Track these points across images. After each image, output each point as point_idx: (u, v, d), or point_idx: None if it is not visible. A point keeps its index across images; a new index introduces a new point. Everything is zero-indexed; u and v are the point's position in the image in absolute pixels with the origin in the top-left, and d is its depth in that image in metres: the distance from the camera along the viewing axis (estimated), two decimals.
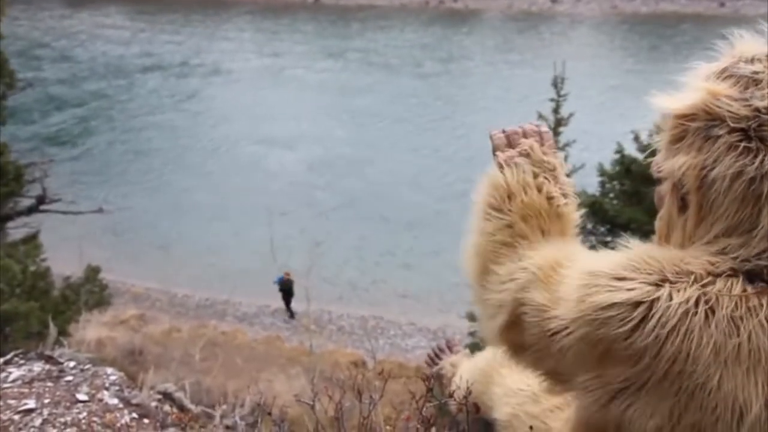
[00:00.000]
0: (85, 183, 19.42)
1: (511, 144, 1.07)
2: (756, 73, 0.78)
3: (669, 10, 40.44)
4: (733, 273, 0.74)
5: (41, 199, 9.44)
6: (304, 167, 20.46)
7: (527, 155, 1.04)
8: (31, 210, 9.34)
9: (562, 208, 1.01)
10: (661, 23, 37.92)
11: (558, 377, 0.89)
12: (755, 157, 0.74)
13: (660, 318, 0.71)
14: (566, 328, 0.78)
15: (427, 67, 30.45)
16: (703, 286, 0.73)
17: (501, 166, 1.04)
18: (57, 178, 16.30)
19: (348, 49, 33.88)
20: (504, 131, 1.10)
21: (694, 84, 0.81)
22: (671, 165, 0.81)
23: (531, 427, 1.16)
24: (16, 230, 9.23)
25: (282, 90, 27.66)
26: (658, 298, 0.72)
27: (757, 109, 0.75)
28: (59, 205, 10.06)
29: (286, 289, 13.69)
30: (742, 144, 0.75)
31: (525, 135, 1.08)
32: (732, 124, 0.76)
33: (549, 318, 0.83)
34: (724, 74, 0.80)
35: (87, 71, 30.50)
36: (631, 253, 0.78)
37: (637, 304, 0.72)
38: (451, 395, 1.47)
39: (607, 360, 0.75)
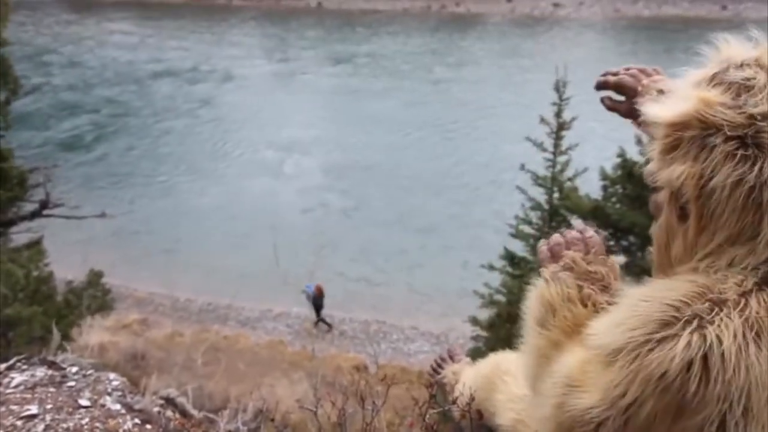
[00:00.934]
0: (97, 188, 19.50)
1: (554, 258, 1.04)
2: (747, 79, 0.77)
3: (671, 13, 40.49)
4: (759, 287, 0.74)
5: (44, 204, 9.47)
6: (318, 172, 20.48)
7: (570, 269, 1.01)
8: (34, 215, 9.37)
9: None
10: (663, 27, 37.96)
11: None
12: (753, 164, 0.73)
13: (721, 364, 0.69)
14: (627, 409, 0.74)
15: (437, 73, 30.52)
16: (741, 311, 0.71)
17: (546, 282, 1.02)
18: (69, 183, 16.41)
19: (356, 54, 34.00)
20: (549, 243, 1.07)
21: (685, 92, 0.81)
22: (668, 174, 0.80)
23: None
24: (20, 235, 9.26)
25: (293, 95, 27.75)
26: (710, 346, 0.70)
27: (752, 116, 0.75)
28: (62, 209, 10.10)
29: (318, 303, 13.61)
30: (740, 152, 0.74)
31: (568, 245, 1.05)
32: (728, 133, 0.75)
33: (597, 416, 0.78)
34: (714, 81, 0.79)
35: (97, 77, 30.69)
36: (648, 304, 0.75)
37: (691, 362, 0.69)
38: (454, 402, 1.46)
39: (678, 417, 0.72)
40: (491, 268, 7.37)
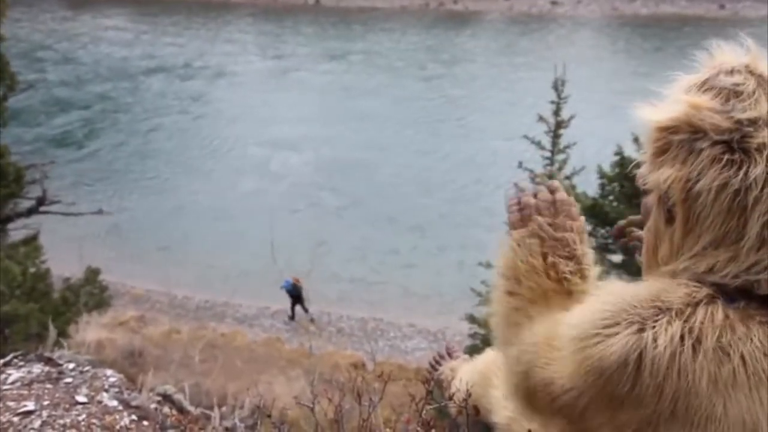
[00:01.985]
0: (90, 185, 19.46)
1: (524, 221, 1.06)
2: (736, 84, 0.79)
3: (669, 12, 40.52)
4: (712, 299, 0.76)
5: (41, 201, 9.45)
6: (309, 169, 20.48)
7: (538, 236, 1.03)
8: (31, 211, 9.34)
9: (573, 286, 1.01)
10: (661, 25, 38.00)
11: (574, 423, 0.91)
12: (739, 169, 0.75)
13: (652, 365, 0.73)
14: (570, 385, 0.81)
15: (430, 70, 30.50)
16: (686, 320, 0.74)
17: (512, 247, 1.04)
18: (62, 179, 16.37)
19: (351, 51, 33.94)
20: (519, 203, 1.07)
21: (676, 96, 0.82)
22: (656, 178, 0.82)
23: (530, 431, 1.16)
24: (16, 232, 9.23)
25: (286, 92, 27.70)
26: (645, 346, 0.73)
27: (739, 121, 0.76)
28: (59, 206, 10.07)
29: (296, 294, 13.65)
30: (726, 156, 0.76)
31: (538, 209, 1.06)
32: (715, 137, 0.76)
33: (556, 389, 0.85)
34: (705, 86, 0.81)
35: (91, 73, 30.56)
36: (608, 301, 0.79)
37: (626, 358, 0.74)
38: (450, 398, 1.47)
39: (616, 407, 0.77)
40: (488, 265, 7.39)
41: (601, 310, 0.79)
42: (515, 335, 0.99)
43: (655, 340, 0.73)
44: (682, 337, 0.73)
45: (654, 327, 0.74)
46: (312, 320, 13.91)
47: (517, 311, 1.00)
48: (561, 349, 0.84)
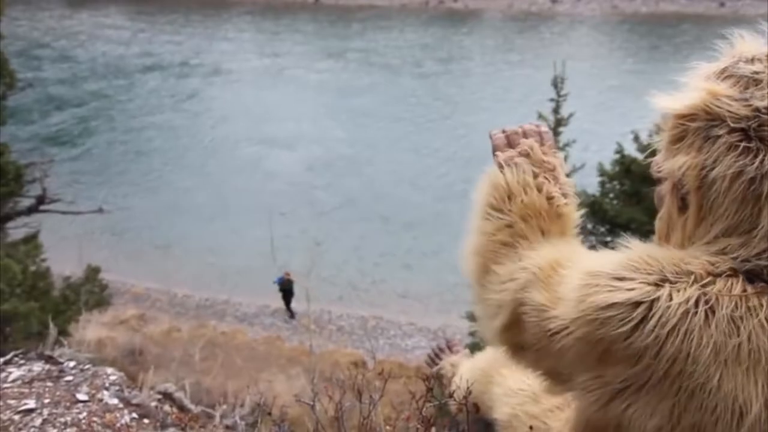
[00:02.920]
0: (85, 183, 19.42)
1: (510, 144, 1.07)
2: (756, 73, 0.78)
3: (669, 10, 40.46)
4: (733, 273, 0.74)
5: (41, 199, 9.44)
6: (304, 167, 20.47)
7: (527, 155, 1.04)
8: (30, 210, 9.34)
9: (562, 207, 1.01)
10: (661, 23, 37.94)
11: (558, 377, 0.89)
12: (755, 157, 0.74)
13: (660, 318, 0.71)
14: (566, 327, 0.78)
15: (427, 67, 30.45)
16: (703, 286, 0.73)
17: (501, 166, 1.04)
18: (57, 178, 16.31)
19: (348, 49, 33.88)
20: (504, 131, 1.10)
21: (694, 84, 0.81)
22: (671, 165, 0.81)
23: (531, 427, 1.16)
24: (16, 230, 9.23)
25: (282, 90, 27.66)
26: (657, 298, 0.72)
27: (757, 109, 0.75)
28: (59, 205, 10.06)
29: (287, 289, 13.69)
30: (742, 144, 0.75)
31: (525, 135, 1.08)
32: (732, 124, 0.76)
33: (549, 318, 0.83)
34: (724, 74, 0.80)
35: (87, 71, 30.51)
36: (631, 252, 0.78)
37: (637, 304, 0.72)
38: (451, 395, 1.47)
39: (606, 360, 0.75)
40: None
41: (622, 258, 0.77)
42: (507, 254, 0.96)
43: (670, 296, 0.72)
44: (697, 301, 0.71)
45: (673, 284, 0.73)
46: (292, 316, 13.92)
47: (509, 228, 0.98)
48: (567, 285, 0.81)
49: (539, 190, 1.00)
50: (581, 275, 0.78)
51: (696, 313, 0.71)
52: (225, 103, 26.27)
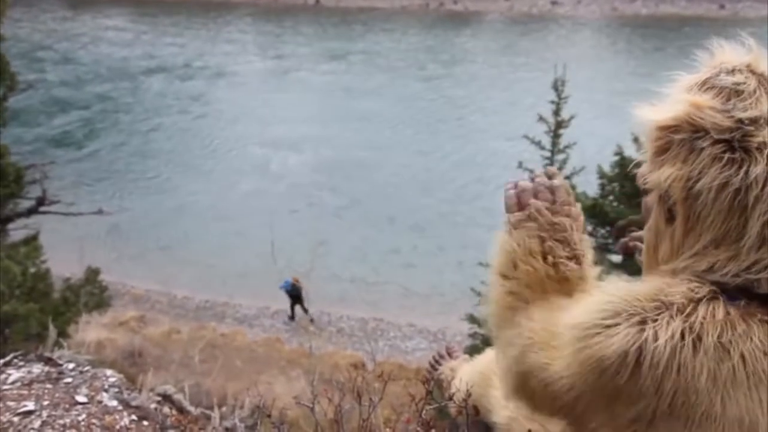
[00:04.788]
0: (89, 185, 19.45)
1: (521, 205, 1.05)
2: (737, 84, 0.79)
3: (669, 12, 40.53)
4: (714, 296, 0.75)
5: (41, 201, 9.44)
6: (309, 169, 20.48)
7: (535, 219, 1.02)
8: (31, 211, 9.34)
9: (569, 272, 1.00)
10: (661, 25, 38.00)
11: (574, 423, 0.90)
12: (740, 168, 0.75)
13: (651, 360, 0.72)
14: (570, 383, 0.81)
15: (430, 70, 30.50)
16: (687, 316, 0.74)
17: (509, 231, 1.03)
18: (61, 180, 16.36)
19: (351, 51, 33.94)
20: (516, 187, 1.07)
21: (677, 95, 0.82)
22: (657, 177, 0.82)
23: (529, 431, 1.16)
24: (17, 232, 9.23)
25: (286, 92, 27.70)
26: (645, 340, 0.73)
27: (740, 120, 0.76)
28: (59, 206, 10.06)
29: (296, 295, 13.64)
30: (726, 155, 0.75)
31: (536, 194, 1.05)
32: (716, 136, 0.76)
33: (552, 375, 0.85)
34: (706, 85, 0.81)
35: (90, 73, 30.57)
36: (611, 296, 0.79)
37: (626, 353, 0.73)
38: (450, 398, 1.47)
39: (614, 402, 0.76)
40: (488, 265, 7.37)
41: (602, 304, 0.78)
42: (510, 319, 0.98)
43: (656, 335, 0.73)
44: (682, 334, 0.72)
45: (655, 322, 0.74)
46: (312, 320, 13.92)
47: (513, 295, 1.00)
48: (561, 343, 0.83)
49: (545, 256, 0.99)
50: (571, 330, 0.80)
51: (684, 345, 0.72)
52: (229, 105, 26.32)
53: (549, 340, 0.87)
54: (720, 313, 0.73)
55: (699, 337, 0.72)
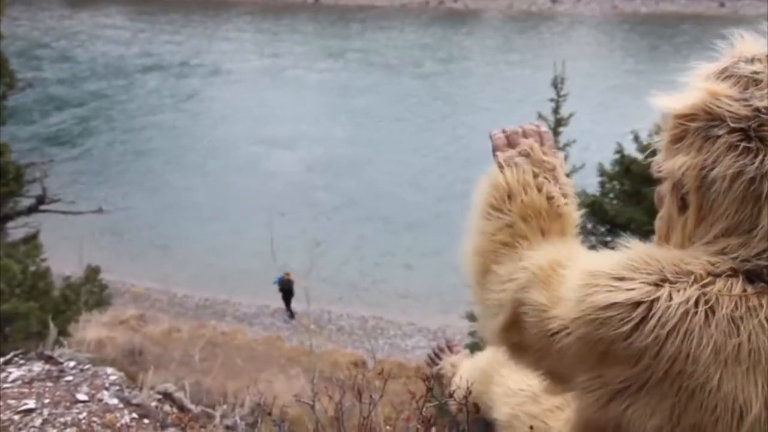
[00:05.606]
0: (85, 183, 19.42)
1: (511, 144, 1.07)
2: (756, 73, 0.78)
3: (669, 10, 40.48)
4: (733, 273, 0.74)
5: (41, 199, 9.44)
6: (304, 167, 20.47)
7: (527, 155, 1.04)
8: (31, 210, 9.34)
9: (562, 207, 1.01)
10: (661, 23, 37.96)
11: (558, 377, 0.89)
12: (755, 157, 0.74)
13: (660, 318, 0.71)
14: (566, 328, 0.78)
15: (427, 68, 30.46)
16: (703, 286, 0.73)
17: (501, 166, 1.04)
18: (57, 178, 16.31)
19: (348, 49, 33.89)
20: (504, 131, 1.09)
21: (694, 84, 0.82)
22: (671, 165, 0.82)
23: (531, 427, 1.16)
24: (16, 230, 9.22)
25: (282, 90, 27.67)
26: (657, 298, 0.72)
27: (757, 109, 0.75)
28: (59, 205, 10.06)
29: (287, 289, 13.68)
30: (742, 144, 0.75)
31: (525, 135, 1.07)
32: (732, 124, 0.76)
33: (549, 318, 0.83)
34: (724, 74, 0.80)
35: (87, 71, 30.52)
36: (631, 253, 0.78)
37: (637, 304, 0.72)
38: (451, 395, 1.47)
39: (606, 360, 0.75)
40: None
41: (622, 258, 0.77)
42: (507, 254, 0.96)
43: (670, 295, 0.72)
44: (697, 302, 0.71)
45: (673, 284, 0.73)
46: (292, 316, 13.91)
47: (509, 228, 0.98)
48: (567, 285, 0.81)
49: (539, 189, 1.00)
50: (581, 275, 0.78)
51: (696, 313, 0.71)
52: (225, 103, 26.28)
53: (554, 280, 0.85)
54: (737, 289, 0.73)
55: (712, 309, 0.71)
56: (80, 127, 24.23)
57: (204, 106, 26.12)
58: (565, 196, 1.02)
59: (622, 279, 0.74)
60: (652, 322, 0.71)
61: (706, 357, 0.70)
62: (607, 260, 0.78)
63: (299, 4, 44.81)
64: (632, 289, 0.73)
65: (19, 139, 20.33)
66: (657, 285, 0.73)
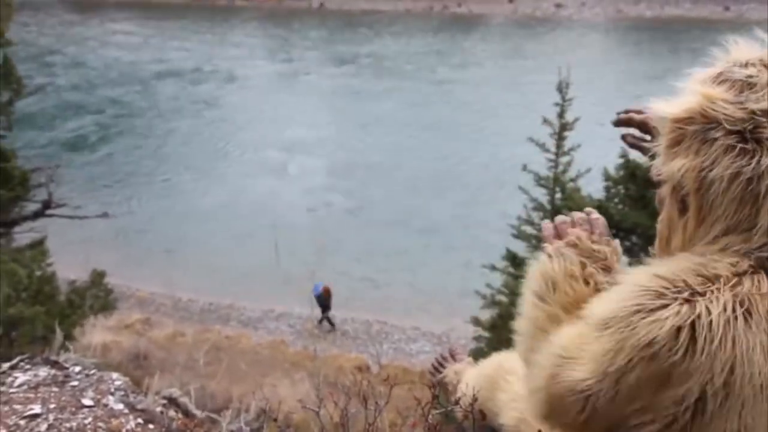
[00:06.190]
0: (97, 188, 19.54)
1: (559, 234, 1.05)
2: (750, 76, 0.80)
3: (673, 14, 40.45)
4: (755, 270, 0.76)
5: (47, 204, 9.50)
6: (319, 173, 20.50)
7: (574, 245, 1.02)
8: (37, 215, 9.39)
9: None
10: (665, 28, 37.92)
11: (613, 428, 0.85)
12: (752, 158, 0.76)
13: (706, 336, 0.71)
14: (606, 384, 0.77)
15: (440, 73, 30.50)
16: (732, 287, 0.74)
17: (549, 257, 1.02)
18: (74, 183, 16.45)
19: (359, 54, 34.02)
20: (554, 221, 1.08)
21: (691, 89, 0.84)
22: (670, 168, 0.83)
23: (540, 431, 1.15)
24: (23, 235, 9.28)
25: (297, 95, 27.78)
26: (699, 316, 0.72)
27: (753, 112, 0.77)
28: (65, 209, 10.11)
29: (323, 304, 13.61)
30: (739, 146, 0.77)
31: (574, 224, 1.06)
32: (728, 127, 0.78)
33: (589, 385, 0.80)
34: (719, 79, 0.82)
35: (101, 78, 30.78)
36: (646, 279, 0.77)
37: (678, 330, 0.72)
38: (457, 402, 1.46)
39: (662, 387, 0.74)
40: (493, 268, 7.37)
41: (638, 289, 0.76)
42: (541, 341, 0.95)
43: (708, 309, 0.72)
44: (734, 307, 0.72)
45: (704, 296, 0.73)
46: (328, 323, 13.85)
47: (547, 317, 0.98)
48: (592, 345, 0.79)
49: (586, 281, 0.98)
50: (606, 324, 0.77)
51: (736, 318, 0.72)
52: (241, 108, 26.45)
53: (579, 350, 0.83)
54: (765, 286, 0.74)
55: (749, 311, 0.72)
56: (99, 133, 24.42)
57: (220, 112, 26.28)
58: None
59: (652, 310, 0.73)
60: (701, 342, 0.71)
61: (758, 357, 0.71)
62: (625, 296, 0.77)
63: (304, 9, 45.05)
64: (670, 315, 0.72)
65: (37, 145, 20.56)
66: (688, 301, 0.73)
